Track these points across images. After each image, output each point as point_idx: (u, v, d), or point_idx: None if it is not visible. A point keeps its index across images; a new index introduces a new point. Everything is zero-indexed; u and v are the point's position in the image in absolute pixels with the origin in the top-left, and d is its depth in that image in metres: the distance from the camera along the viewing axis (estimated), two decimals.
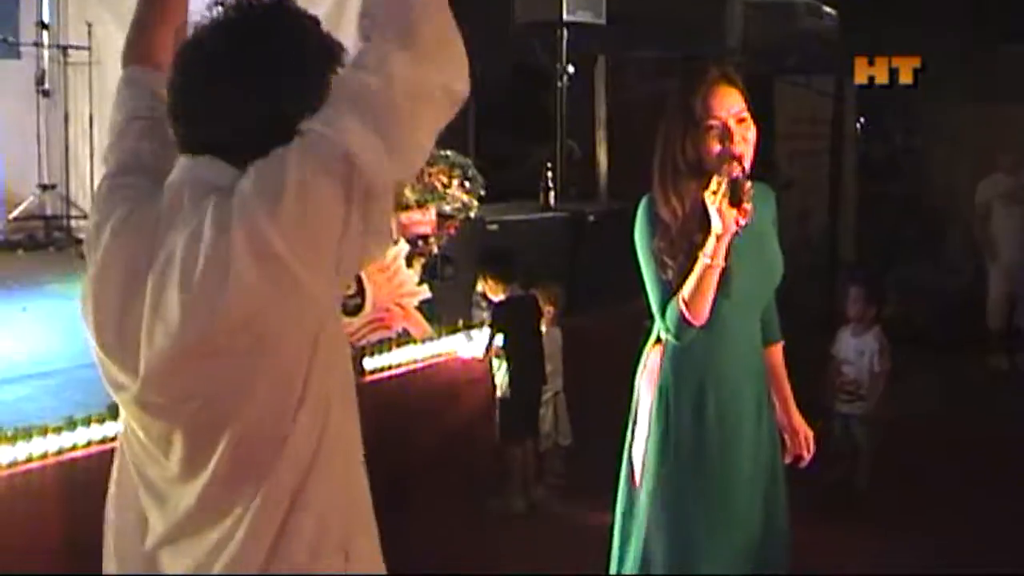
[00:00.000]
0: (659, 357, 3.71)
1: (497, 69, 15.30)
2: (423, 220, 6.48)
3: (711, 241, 3.46)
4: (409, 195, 6.43)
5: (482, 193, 6.85)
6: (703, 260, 3.47)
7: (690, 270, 3.51)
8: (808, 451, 3.98)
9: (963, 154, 12.56)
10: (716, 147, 3.53)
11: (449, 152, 6.77)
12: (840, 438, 7.01)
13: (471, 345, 6.57)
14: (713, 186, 3.43)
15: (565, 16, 8.60)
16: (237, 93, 2.07)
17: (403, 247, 6.15)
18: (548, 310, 6.71)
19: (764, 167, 11.90)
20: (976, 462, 7.50)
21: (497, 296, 6.48)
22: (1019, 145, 10.26)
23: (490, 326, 6.41)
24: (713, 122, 3.53)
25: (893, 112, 14.07)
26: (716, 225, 3.44)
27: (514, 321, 6.45)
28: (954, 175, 12.24)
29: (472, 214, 6.75)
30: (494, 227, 6.98)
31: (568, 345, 6.95)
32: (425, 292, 6.20)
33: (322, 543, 2.14)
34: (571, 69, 8.88)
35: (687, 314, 3.51)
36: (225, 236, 1.97)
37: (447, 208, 6.65)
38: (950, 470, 7.34)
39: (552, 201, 7.80)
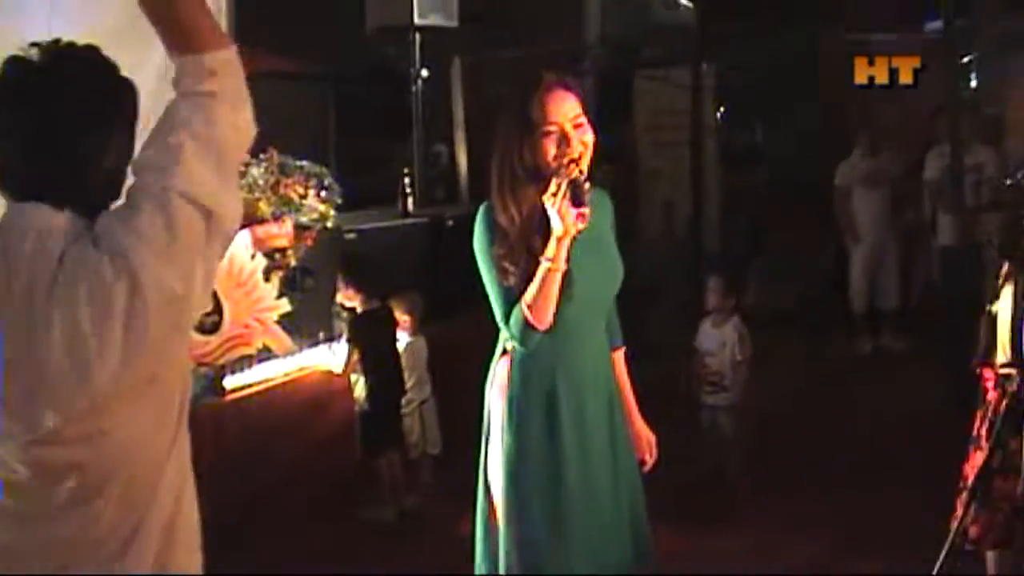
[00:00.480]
0: (507, 368, 3.71)
1: (356, 74, 15.32)
2: (279, 233, 6.40)
3: (552, 244, 3.46)
4: (264, 208, 6.35)
5: (339, 201, 6.78)
6: (545, 263, 3.47)
7: (532, 276, 3.51)
8: (651, 455, 3.99)
9: (822, 139, 12.83)
10: (553, 152, 3.52)
11: (304, 162, 6.71)
12: (709, 430, 7.07)
13: (333, 359, 6.52)
14: (552, 188, 3.43)
15: (416, 20, 8.56)
16: (62, 138, 2.20)
17: (260, 261, 6.09)
18: (405, 320, 6.69)
19: (626, 159, 12.05)
20: (844, 446, 7.64)
21: (352, 302, 6.46)
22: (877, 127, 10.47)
23: (348, 341, 6.37)
24: (550, 128, 3.52)
25: (752, 101, 14.31)
26: (557, 227, 3.44)
27: (370, 334, 6.42)
28: (815, 160, 12.46)
29: (330, 223, 6.68)
30: (352, 236, 6.92)
31: (435, 351, 6.94)
32: (284, 306, 6.14)
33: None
34: (425, 73, 8.87)
35: (531, 319, 3.51)
36: (129, 286, 2.14)
37: (304, 219, 6.58)
38: (819, 456, 7.46)
39: (411, 207, 7.78)
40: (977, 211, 4.76)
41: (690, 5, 13.92)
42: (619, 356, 3.99)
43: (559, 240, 3.45)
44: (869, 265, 10.39)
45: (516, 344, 3.60)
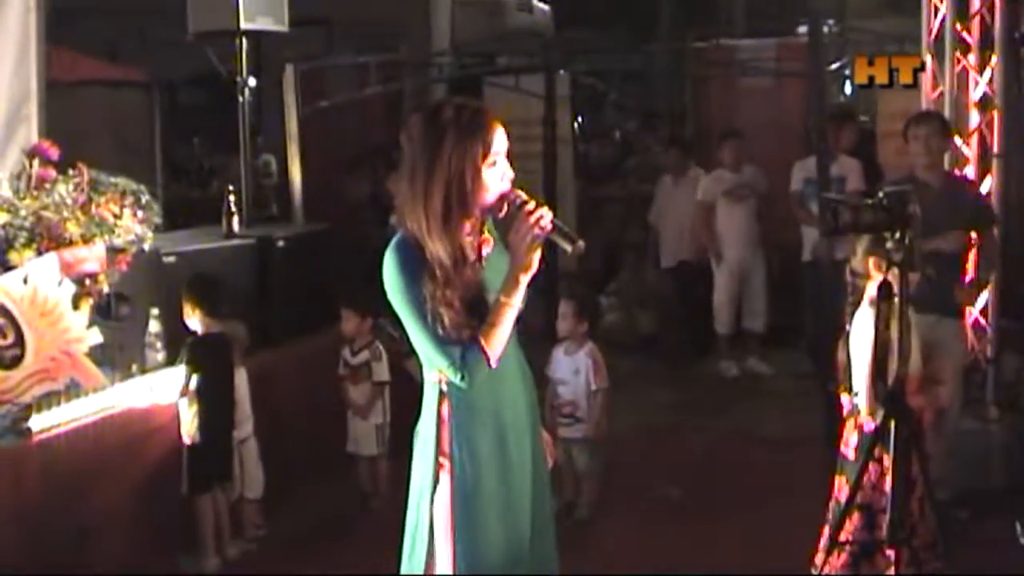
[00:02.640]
0: (448, 408, 3.78)
1: (184, 81, 15.16)
2: (89, 256, 6.26)
3: (511, 282, 3.58)
4: (73, 229, 6.20)
5: (158, 221, 6.65)
6: (503, 301, 3.59)
7: (468, 314, 3.61)
8: (551, 456, 4.12)
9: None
10: (496, 184, 3.62)
11: (119, 179, 6.57)
12: (563, 464, 7.03)
13: (159, 389, 6.34)
14: (526, 228, 3.52)
15: (243, 24, 8.39)
16: None
17: (68, 288, 5.94)
18: None
19: None
20: (708, 476, 7.70)
21: (194, 321, 6.33)
22: (740, 142, 10.58)
23: (186, 364, 6.22)
24: (495, 158, 3.62)
25: (611, 110, 14.42)
26: (521, 264, 3.56)
27: (209, 360, 6.29)
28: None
29: (147, 246, 6.54)
30: (171, 259, 6.76)
31: (261, 385, 6.84)
32: (95, 336, 5.99)
33: None
34: (253, 81, 8.73)
35: (491, 359, 3.62)
36: None
37: (118, 241, 6.44)
38: (682, 487, 7.49)
39: (236, 227, 7.63)
40: (834, 233, 4.81)
41: (546, 8, 14.00)
42: None
43: (521, 278, 3.58)
44: (733, 284, 10.50)
45: (465, 384, 3.65)
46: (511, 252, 3.59)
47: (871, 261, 4.96)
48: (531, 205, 3.57)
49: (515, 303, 3.61)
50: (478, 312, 3.64)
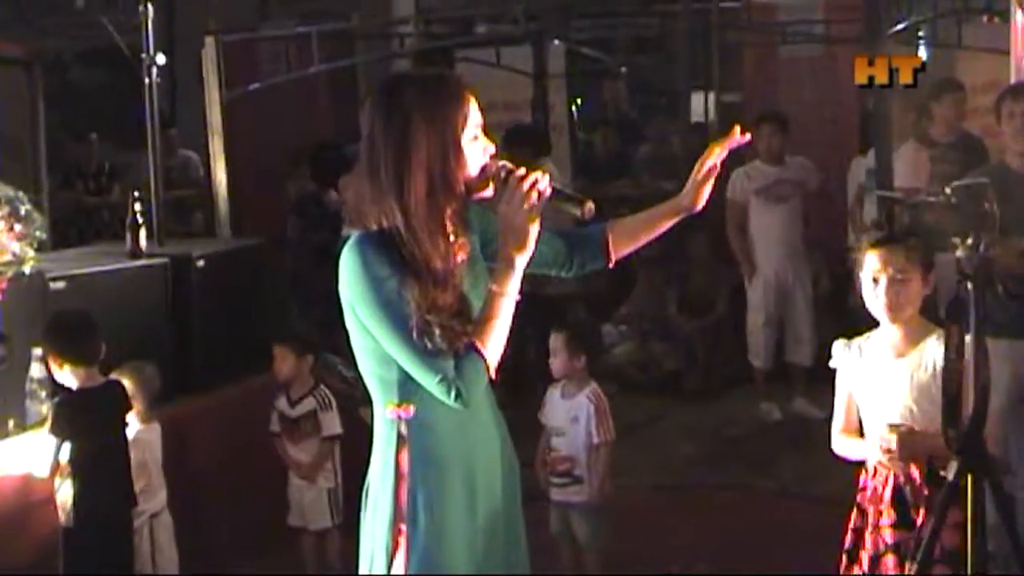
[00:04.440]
0: (408, 461, 3.84)
1: (80, 59, 15.12)
2: None
3: (510, 266, 3.67)
4: None
5: (42, 236, 6.58)
6: (496, 291, 3.70)
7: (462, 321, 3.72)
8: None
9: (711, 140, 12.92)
10: (479, 159, 3.77)
11: None
12: (558, 534, 6.97)
13: (32, 459, 6.26)
14: (518, 198, 3.64)
15: None
16: None
17: None
18: (136, 401, 6.49)
19: None
20: (744, 547, 7.67)
21: (65, 376, 6.24)
22: (781, 126, 10.52)
23: (52, 432, 6.12)
24: (475, 131, 3.76)
25: (614, 93, 14.36)
26: (515, 246, 3.67)
27: (86, 422, 6.19)
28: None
29: (28, 268, 6.47)
30: (60, 285, 6.71)
31: (178, 441, 6.78)
32: None
33: None
34: (162, 59, 8.66)
35: (490, 364, 3.70)
36: None
37: None
38: (712, 561, 7.45)
39: (144, 243, 7.56)
40: (890, 241, 4.74)
41: None
42: None
43: (517, 260, 3.68)
44: (769, 304, 10.44)
45: (460, 403, 3.69)
46: (502, 228, 3.68)
47: None
48: (521, 171, 3.67)
49: (511, 292, 3.69)
50: (466, 321, 3.72)
